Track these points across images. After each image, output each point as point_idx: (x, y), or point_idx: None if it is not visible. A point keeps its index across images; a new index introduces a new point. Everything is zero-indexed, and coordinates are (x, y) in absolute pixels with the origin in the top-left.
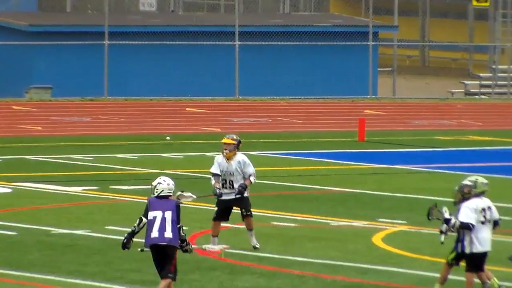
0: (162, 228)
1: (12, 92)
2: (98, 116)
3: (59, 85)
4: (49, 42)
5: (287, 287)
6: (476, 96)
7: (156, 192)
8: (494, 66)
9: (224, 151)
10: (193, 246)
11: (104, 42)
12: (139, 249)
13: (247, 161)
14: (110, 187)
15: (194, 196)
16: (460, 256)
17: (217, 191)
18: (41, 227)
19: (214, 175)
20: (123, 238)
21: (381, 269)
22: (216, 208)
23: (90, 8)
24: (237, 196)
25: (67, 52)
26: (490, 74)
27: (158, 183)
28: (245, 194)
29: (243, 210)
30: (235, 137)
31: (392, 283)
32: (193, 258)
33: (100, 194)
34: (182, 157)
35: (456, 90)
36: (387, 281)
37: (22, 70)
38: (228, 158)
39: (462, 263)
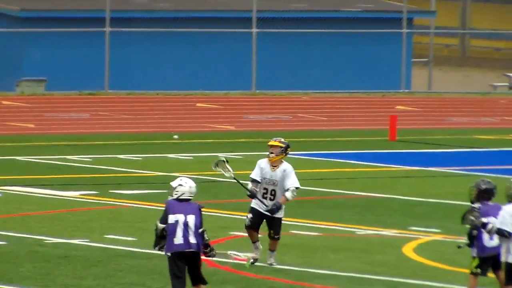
0: (186, 234)
1: (1, 85)
2: (97, 112)
3: (54, 78)
4: (43, 29)
5: None
6: None
7: (176, 194)
8: None
9: (270, 155)
10: (216, 251)
11: (105, 29)
12: None
13: (293, 171)
14: (111, 191)
15: (233, 175)
16: (482, 261)
17: (253, 190)
18: (33, 236)
19: (253, 180)
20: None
21: (413, 283)
22: (249, 215)
23: None
24: (269, 213)
25: (63, 41)
26: None
27: (179, 184)
28: (279, 215)
29: (272, 232)
30: (283, 140)
31: None
32: (203, 270)
33: (99, 200)
34: (191, 158)
35: (500, 84)
36: None
37: (13, 61)
38: (273, 165)
39: (490, 274)
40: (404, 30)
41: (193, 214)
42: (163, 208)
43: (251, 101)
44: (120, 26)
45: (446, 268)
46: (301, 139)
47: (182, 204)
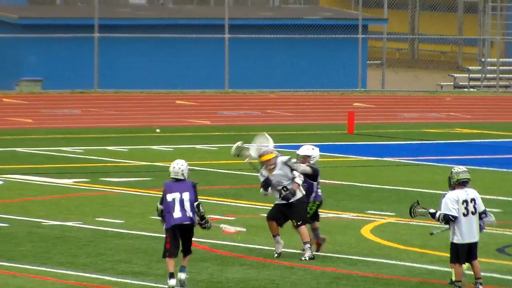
0: (182, 208)
1: (2, 84)
2: (88, 109)
3: (49, 78)
4: (39, 35)
5: (277, 278)
6: (465, 89)
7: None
8: (483, 59)
9: (269, 167)
10: (211, 224)
11: (94, 35)
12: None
13: (290, 161)
14: (100, 179)
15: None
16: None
17: (268, 178)
18: (32, 219)
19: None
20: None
21: (370, 260)
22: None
23: (80, 1)
24: (285, 201)
25: (57, 45)
26: (479, 67)
27: (170, 166)
28: (296, 198)
29: (294, 220)
30: (270, 148)
31: (380, 275)
32: None
33: (90, 186)
34: (172, 149)
35: (445, 83)
36: (376, 272)
37: (12, 63)
38: (270, 168)
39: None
40: (360, 36)
41: (187, 191)
42: (148, 194)
43: (225, 98)
44: (107, 32)
45: (399, 247)
46: (269, 133)
47: (178, 183)
